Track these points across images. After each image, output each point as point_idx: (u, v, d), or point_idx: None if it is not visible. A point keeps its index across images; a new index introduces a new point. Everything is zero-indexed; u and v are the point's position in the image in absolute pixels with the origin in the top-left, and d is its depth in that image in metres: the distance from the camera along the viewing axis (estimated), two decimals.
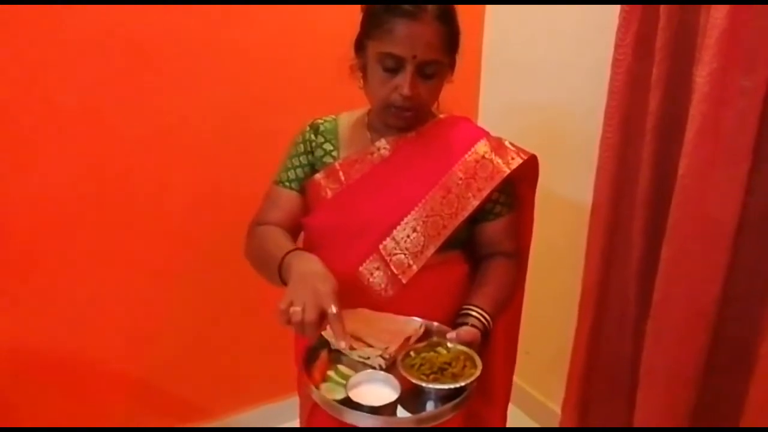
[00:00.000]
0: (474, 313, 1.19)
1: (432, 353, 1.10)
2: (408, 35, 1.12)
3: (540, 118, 2.12)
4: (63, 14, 1.60)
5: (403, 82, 1.15)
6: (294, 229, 1.33)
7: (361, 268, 1.23)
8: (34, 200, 1.71)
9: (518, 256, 1.36)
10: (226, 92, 1.88)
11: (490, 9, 2.25)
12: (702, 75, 1.35)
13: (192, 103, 1.84)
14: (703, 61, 1.35)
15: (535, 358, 2.27)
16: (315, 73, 1.87)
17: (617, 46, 1.59)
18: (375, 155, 1.26)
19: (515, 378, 2.30)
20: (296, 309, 0.98)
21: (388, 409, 0.99)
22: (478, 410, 1.43)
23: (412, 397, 1.03)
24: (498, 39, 2.25)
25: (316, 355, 1.12)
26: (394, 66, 1.15)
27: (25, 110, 1.63)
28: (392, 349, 1.11)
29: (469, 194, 1.22)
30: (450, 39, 1.20)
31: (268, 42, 1.90)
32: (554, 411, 2.05)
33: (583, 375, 1.82)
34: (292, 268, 1.10)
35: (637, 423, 1.60)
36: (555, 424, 2.00)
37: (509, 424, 1.54)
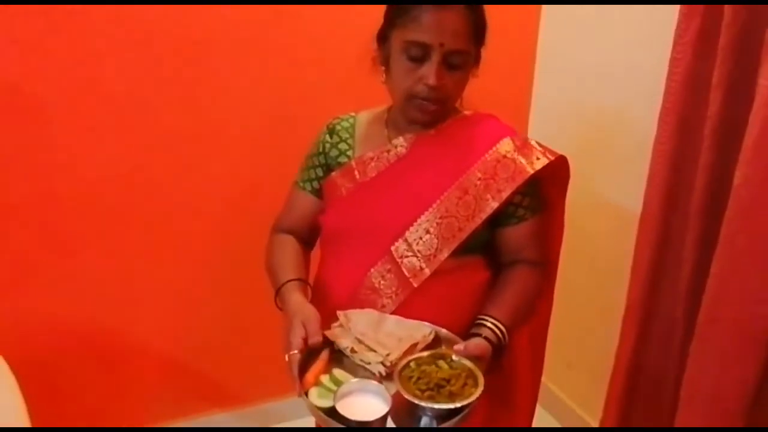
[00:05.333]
0: (488, 324, 1.13)
1: (432, 367, 1.03)
2: (435, 23, 1.07)
3: (592, 119, 2.01)
4: (114, 9, 1.64)
5: (429, 72, 1.09)
6: (310, 233, 1.33)
7: (372, 270, 1.18)
8: (77, 188, 1.77)
9: (543, 265, 1.27)
10: (273, 85, 1.89)
11: (545, 7, 2.15)
12: (765, 76, 1.22)
13: (239, 95, 1.86)
14: (767, 63, 1.22)
15: (578, 372, 2.16)
16: (359, 70, 1.86)
17: (676, 44, 1.46)
18: (391, 153, 1.21)
19: (555, 390, 2.23)
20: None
21: (376, 424, 0.94)
22: (497, 419, 1.36)
23: (405, 410, 0.98)
24: (553, 37, 2.15)
25: (316, 354, 1.09)
26: (419, 55, 1.10)
27: (75, 103, 1.69)
28: (394, 356, 1.06)
29: (488, 196, 1.15)
30: (477, 30, 1.13)
31: (312, 39, 1.88)
32: (594, 426, 1.94)
33: (623, 397, 1.70)
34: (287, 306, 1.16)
35: None
36: None
37: None
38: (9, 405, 1.18)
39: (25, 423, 1.16)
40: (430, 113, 1.16)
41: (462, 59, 1.12)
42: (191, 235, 1.95)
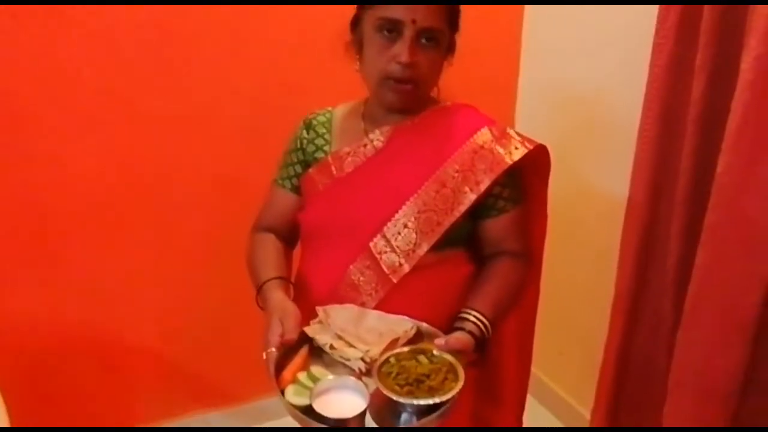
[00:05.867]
0: (471, 318, 1.11)
1: (412, 362, 1.02)
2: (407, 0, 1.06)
3: (579, 107, 1.99)
4: (94, 5, 1.62)
5: (402, 49, 1.08)
6: (291, 230, 1.31)
7: (351, 267, 1.17)
8: (69, 187, 1.76)
9: (526, 256, 1.26)
10: (258, 77, 1.87)
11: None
12: (747, 61, 1.20)
13: (223, 89, 1.84)
14: (749, 46, 1.20)
15: (568, 362, 2.16)
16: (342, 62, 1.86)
17: (658, 29, 1.45)
18: (368, 147, 1.19)
19: (546, 379, 2.23)
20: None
21: (354, 422, 0.93)
22: (485, 413, 1.35)
23: (385, 407, 0.96)
24: (537, 26, 2.14)
25: (295, 350, 1.07)
26: (392, 32, 1.08)
27: (62, 101, 1.68)
28: (375, 352, 1.05)
29: (466, 188, 1.13)
30: (451, 12, 1.12)
31: (295, 29, 1.86)
32: (585, 417, 1.94)
33: (613, 385, 1.70)
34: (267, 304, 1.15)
35: None
36: None
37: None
38: None
39: (4, 423, 1.15)
40: (405, 94, 1.13)
41: (435, 38, 1.10)
42: (182, 234, 1.93)
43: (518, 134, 1.19)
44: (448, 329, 1.11)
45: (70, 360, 1.90)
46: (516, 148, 1.15)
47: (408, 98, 1.15)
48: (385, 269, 1.14)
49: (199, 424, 2.15)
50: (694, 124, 1.41)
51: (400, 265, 1.14)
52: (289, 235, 1.32)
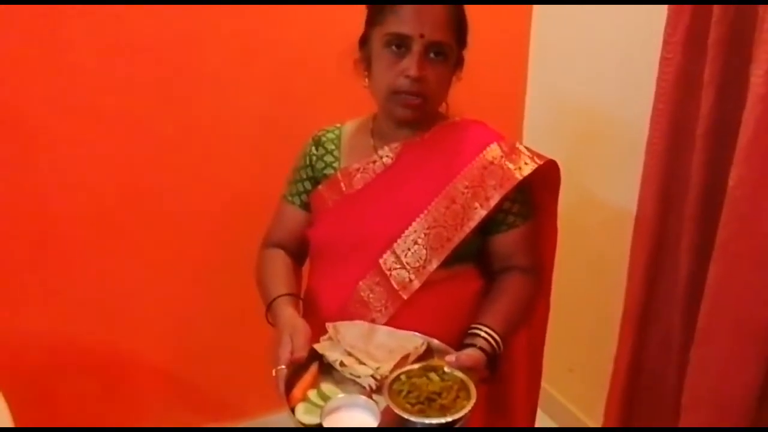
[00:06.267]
0: (482, 334, 1.11)
1: (423, 379, 1.01)
2: (415, 14, 1.08)
3: (587, 121, 1.99)
4: (101, 15, 1.62)
5: (410, 63, 1.09)
6: (300, 247, 1.31)
7: (361, 283, 1.16)
8: (72, 198, 1.75)
9: (536, 271, 1.25)
10: (267, 92, 1.87)
11: (537, 7, 2.14)
12: (757, 74, 1.20)
13: (232, 104, 1.84)
14: (758, 59, 1.20)
15: (579, 376, 2.14)
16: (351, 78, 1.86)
17: (666, 43, 1.44)
18: (377, 164, 1.19)
19: (556, 394, 2.21)
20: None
21: None
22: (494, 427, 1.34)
23: (396, 425, 0.96)
24: (545, 39, 2.14)
25: (305, 367, 1.06)
26: (400, 47, 1.09)
27: (66, 111, 1.67)
28: (385, 369, 1.04)
29: (476, 203, 1.13)
30: (459, 26, 1.13)
31: (303, 42, 1.86)
32: None
33: (623, 401, 1.68)
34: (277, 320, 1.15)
35: None
36: None
37: None
38: None
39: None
40: (414, 107, 1.13)
41: (443, 52, 1.11)
42: (190, 246, 1.93)
43: (528, 149, 1.19)
44: (459, 345, 1.11)
45: (73, 371, 1.89)
46: (526, 164, 1.15)
47: (417, 112, 1.15)
48: (395, 286, 1.14)
49: None
50: (703, 138, 1.40)
51: (411, 281, 1.14)
52: (299, 252, 1.32)
